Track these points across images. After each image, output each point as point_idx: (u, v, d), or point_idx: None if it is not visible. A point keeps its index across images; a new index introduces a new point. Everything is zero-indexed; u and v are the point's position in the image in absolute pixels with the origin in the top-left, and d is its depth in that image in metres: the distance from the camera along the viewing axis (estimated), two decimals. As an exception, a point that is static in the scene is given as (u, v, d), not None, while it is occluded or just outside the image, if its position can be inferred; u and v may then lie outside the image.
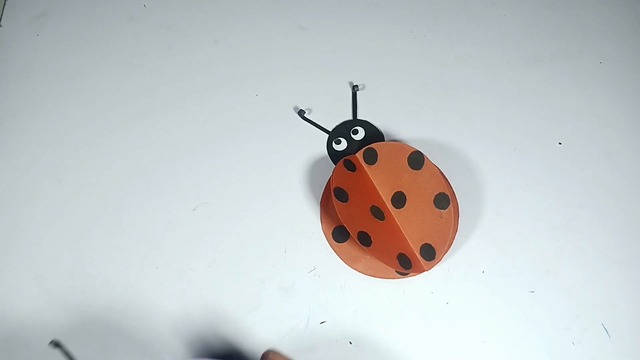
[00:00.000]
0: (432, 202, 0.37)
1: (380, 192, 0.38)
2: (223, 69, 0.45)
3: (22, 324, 0.39)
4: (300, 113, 0.43)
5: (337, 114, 0.43)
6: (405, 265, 0.37)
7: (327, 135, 0.42)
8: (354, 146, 0.42)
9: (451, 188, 0.40)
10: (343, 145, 0.42)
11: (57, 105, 0.45)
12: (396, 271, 0.38)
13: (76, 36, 0.48)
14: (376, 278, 0.38)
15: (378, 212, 0.38)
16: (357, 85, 0.43)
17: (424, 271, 0.37)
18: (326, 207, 0.40)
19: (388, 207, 0.38)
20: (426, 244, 0.37)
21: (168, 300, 0.39)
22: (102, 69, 0.46)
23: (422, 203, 0.37)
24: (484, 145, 0.42)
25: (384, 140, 0.42)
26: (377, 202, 0.38)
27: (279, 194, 0.41)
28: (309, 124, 0.43)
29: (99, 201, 0.42)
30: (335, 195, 0.38)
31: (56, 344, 0.35)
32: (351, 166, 0.39)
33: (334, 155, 0.42)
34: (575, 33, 0.45)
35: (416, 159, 0.38)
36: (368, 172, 0.39)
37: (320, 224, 0.40)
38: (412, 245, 0.37)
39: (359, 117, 0.43)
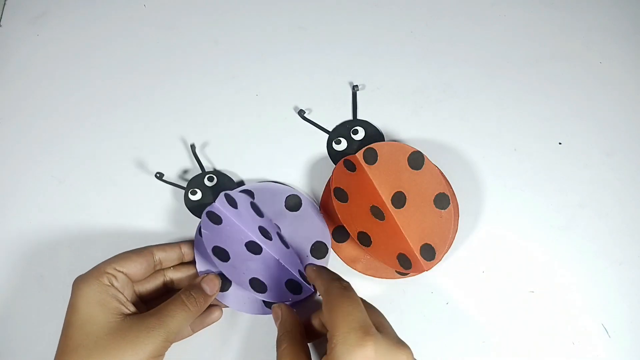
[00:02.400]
0: (432, 202, 0.37)
1: (380, 192, 0.38)
2: (223, 69, 0.45)
3: (23, 324, 0.39)
4: (300, 113, 0.43)
5: (337, 114, 0.43)
6: (405, 265, 0.36)
7: (327, 135, 0.42)
8: (354, 146, 0.42)
9: (451, 188, 0.40)
10: (343, 145, 0.42)
11: (57, 105, 0.45)
12: (396, 271, 0.38)
13: (76, 36, 0.48)
14: (376, 278, 0.38)
15: (378, 212, 0.38)
16: (357, 85, 0.43)
17: (424, 271, 0.37)
18: (326, 207, 0.40)
19: (388, 207, 0.38)
20: (426, 244, 0.37)
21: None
22: (102, 69, 0.46)
23: (422, 203, 0.37)
24: (484, 145, 0.42)
25: (384, 140, 0.42)
26: (377, 202, 0.38)
27: (279, 194, 0.41)
28: (309, 124, 0.43)
29: (99, 201, 0.42)
30: (335, 195, 0.38)
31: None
32: (351, 166, 0.39)
33: (334, 155, 0.42)
34: (575, 33, 0.45)
35: (416, 159, 0.38)
36: (368, 172, 0.39)
37: (320, 224, 0.40)
38: (412, 245, 0.37)
39: (359, 117, 0.43)
